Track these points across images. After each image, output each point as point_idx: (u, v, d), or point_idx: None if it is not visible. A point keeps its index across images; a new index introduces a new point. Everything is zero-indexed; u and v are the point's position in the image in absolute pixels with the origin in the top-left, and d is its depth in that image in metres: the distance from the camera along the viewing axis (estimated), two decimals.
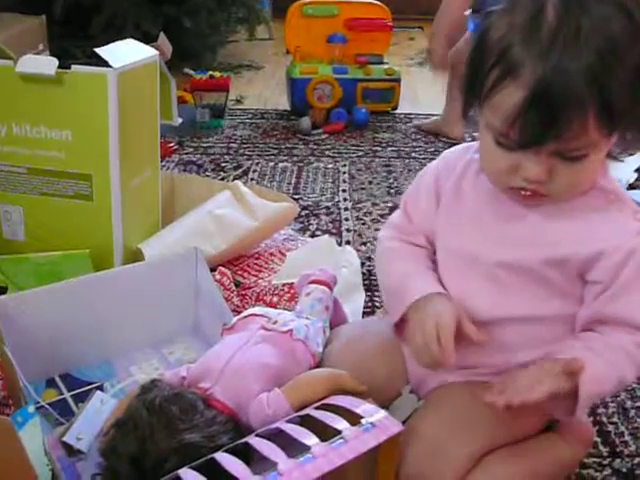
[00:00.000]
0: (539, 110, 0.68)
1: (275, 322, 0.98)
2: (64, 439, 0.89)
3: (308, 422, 0.81)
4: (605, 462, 0.97)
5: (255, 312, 1.01)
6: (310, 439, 0.75)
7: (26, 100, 1.15)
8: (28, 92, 1.15)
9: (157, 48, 1.29)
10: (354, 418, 0.79)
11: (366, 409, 0.80)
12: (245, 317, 1.00)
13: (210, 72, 2.18)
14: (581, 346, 0.79)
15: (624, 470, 0.96)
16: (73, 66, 1.13)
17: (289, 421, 0.81)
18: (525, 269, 0.80)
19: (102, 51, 1.13)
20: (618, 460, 0.98)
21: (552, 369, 0.77)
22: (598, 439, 1.01)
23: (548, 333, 0.82)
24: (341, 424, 0.77)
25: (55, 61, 1.12)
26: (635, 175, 1.85)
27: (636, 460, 0.98)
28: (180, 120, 1.46)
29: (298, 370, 0.93)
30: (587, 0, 0.68)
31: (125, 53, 1.19)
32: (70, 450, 0.90)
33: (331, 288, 1.10)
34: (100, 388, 1.04)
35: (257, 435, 0.80)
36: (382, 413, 0.80)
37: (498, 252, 0.81)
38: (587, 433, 0.93)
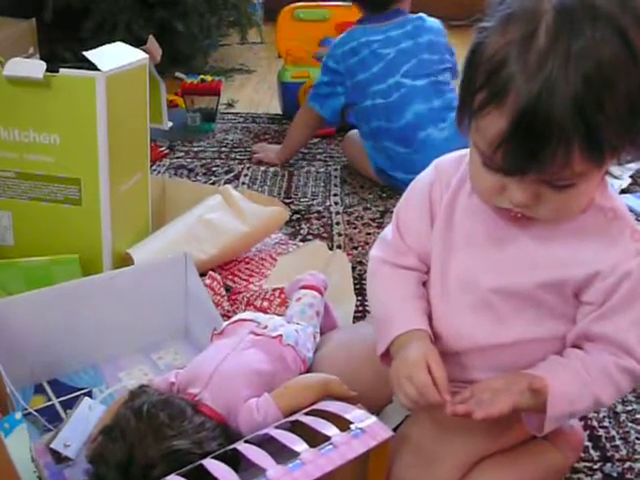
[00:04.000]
0: (521, 140, 0.65)
1: (265, 327, 0.98)
2: (51, 446, 0.88)
3: (298, 428, 0.81)
4: (596, 466, 0.97)
5: (245, 317, 1.00)
6: (299, 445, 0.75)
7: (14, 104, 1.14)
8: (16, 96, 1.14)
9: (146, 51, 1.28)
10: (344, 424, 0.79)
11: (356, 415, 0.79)
12: (235, 322, 0.99)
13: (201, 76, 2.17)
14: (559, 362, 0.79)
15: (614, 474, 0.96)
16: (61, 70, 1.12)
17: (279, 427, 0.81)
18: (519, 294, 0.79)
19: (91, 54, 1.13)
20: (609, 464, 0.97)
21: (517, 384, 0.77)
22: (589, 443, 1.01)
23: (542, 352, 0.81)
24: (331, 430, 0.77)
25: (43, 65, 1.12)
26: (629, 180, 1.85)
27: (627, 464, 0.98)
28: (170, 124, 1.45)
29: (288, 375, 0.93)
30: (582, 22, 0.64)
31: (114, 56, 1.18)
32: (58, 457, 0.89)
33: (322, 293, 1.10)
34: (88, 394, 1.04)
35: (246, 441, 0.79)
36: (372, 419, 0.79)
37: (493, 278, 0.80)
38: (578, 439, 0.93)
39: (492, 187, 0.73)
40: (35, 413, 0.95)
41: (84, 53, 1.11)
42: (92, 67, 1.13)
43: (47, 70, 1.12)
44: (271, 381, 0.91)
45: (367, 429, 0.78)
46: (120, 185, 1.23)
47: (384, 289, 0.90)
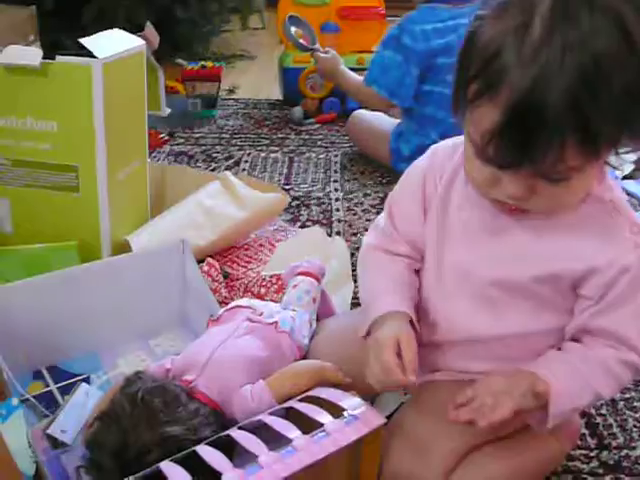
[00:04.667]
0: (513, 134, 0.64)
1: (261, 314, 0.98)
2: (48, 432, 0.89)
3: (292, 415, 0.81)
4: (592, 454, 0.97)
5: (241, 304, 1.00)
6: (292, 432, 0.75)
7: (11, 91, 1.14)
8: (13, 83, 1.14)
9: (144, 38, 1.28)
10: (337, 411, 0.79)
11: (349, 402, 0.80)
12: (231, 308, 1.00)
13: (202, 62, 2.16)
14: (560, 359, 0.79)
15: (611, 462, 0.96)
16: (58, 57, 1.11)
17: (272, 413, 0.81)
18: (516, 286, 0.79)
19: (87, 41, 1.12)
20: (605, 452, 0.97)
21: (518, 387, 0.76)
22: (586, 431, 1.01)
23: (541, 344, 0.81)
24: (324, 417, 0.77)
25: (39, 52, 1.11)
26: (632, 166, 1.84)
27: (623, 452, 0.98)
28: (168, 110, 1.45)
29: (283, 362, 0.93)
30: (579, 11, 0.62)
31: (111, 43, 1.18)
32: (54, 442, 0.90)
33: (319, 280, 1.10)
34: (86, 380, 1.04)
35: (240, 428, 0.79)
36: (365, 406, 0.79)
37: (490, 269, 0.80)
38: (574, 427, 0.93)
39: (486, 179, 0.72)
40: (32, 399, 0.95)
41: (80, 40, 1.11)
42: (91, 55, 1.13)
43: (49, 58, 1.12)
44: (266, 367, 0.91)
45: (360, 416, 0.78)
46: (118, 172, 1.23)
47: (371, 274, 0.90)
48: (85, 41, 1.12)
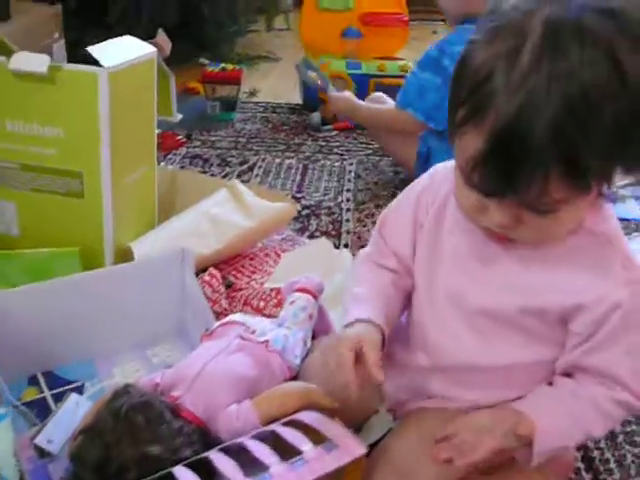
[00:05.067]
0: (496, 162, 0.62)
1: (253, 331, 0.97)
2: (35, 441, 0.90)
3: (274, 438, 0.81)
4: None
5: (234, 319, 1.00)
6: (270, 458, 0.75)
7: (19, 97, 1.15)
8: (21, 89, 1.15)
9: (155, 45, 1.28)
10: (319, 437, 0.78)
11: (331, 429, 0.79)
12: (224, 324, 0.99)
13: (222, 64, 2.16)
14: (549, 395, 0.77)
15: None
16: (65, 65, 1.12)
17: (257, 436, 0.80)
18: (503, 316, 0.77)
19: (95, 50, 1.13)
20: None
21: (502, 425, 0.75)
22: (581, 465, 0.98)
23: (531, 375, 0.79)
24: (304, 444, 0.77)
25: (47, 59, 1.12)
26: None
27: None
28: (180, 116, 1.45)
29: (272, 382, 0.93)
30: (569, 41, 0.60)
31: (120, 51, 1.18)
32: (41, 452, 0.90)
33: (316, 297, 1.09)
34: (80, 388, 1.05)
35: (220, 449, 0.79)
36: (347, 433, 0.79)
37: (478, 297, 0.78)
38: (566, 461, 0.91)
39: (474, 206, 0.71)
40: (23, 407, 0.96)
41: (89, 49, 1.11)
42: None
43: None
44: (255, 387, 0.90)
45: (341, 444, 0.77)
46: (123, 178, 1.23)
47: (357, 283, 0.89)
48: (93, 49, 1.12)
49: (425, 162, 1.70)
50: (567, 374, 0.78)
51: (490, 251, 0.77)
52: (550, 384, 0.79)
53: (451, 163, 0.84)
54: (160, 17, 2.27)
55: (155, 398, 0.86)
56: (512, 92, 0.60)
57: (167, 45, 1.28)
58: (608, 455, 1.00)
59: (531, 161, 0.61)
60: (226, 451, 0.78)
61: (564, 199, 0.64)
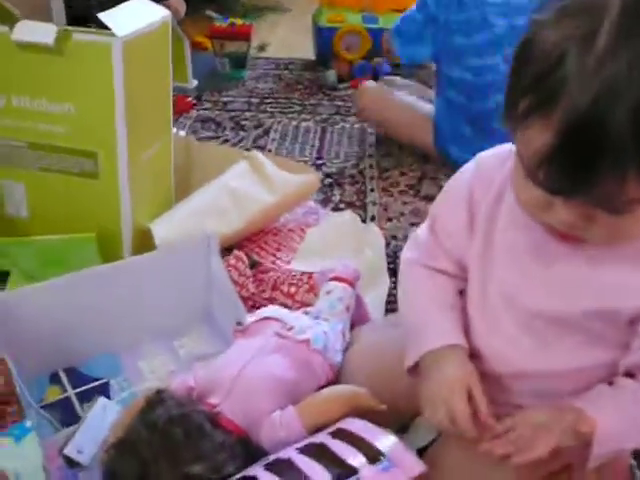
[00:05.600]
0: (567, 159, 0.56)
1: (291, 328, 0.91)
2: (65, 452, 0.84)
3: (323, 452, 0.75)
4: None
5: (270, 315, 0.93)
6: (322, 477, 0.69)
7: (25, 70, 1.06)
8: (26, 62, 1.05)
9: (169, 7, 1.17)
10: (373, 452, 0.73)
11: (385, 442, 0.74)
12: (259, 320, 0.93)
13: (231, 19, 2.04)
14: (610, 395, 0.72)
15: None
16: (74, 34, 1.02)
17: (304, 450, 0.75)
18: (566, 320, 0.71)
19: (106, 16, 1.02)
20: None
21: (561, 422, 0.70)
22: (638, 472, 0.92)
23: (590, 380, 0.74)
24: (358, 459, 0.71)
25: (54, 28, 1.02)
26: None
27: None
28: (195, 82, 1.36)
29: (314, 382, 0.87)
30: None
31: (132, 17, 1.08)
32: (71, 462, 0.85)
33: (353, 285, 1.02)
34: (106, 385, 0.99)
35: (267, 466, 0.74)
36: (403, 448, 0.73)
37: (537, 299, 0.72)
38: (623, 470, 0.86)
39: (537, 201, 0.63)
40: (46, 415, 0.90)
41: (99, 15, 1.01)
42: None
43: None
44: (296, 389, 0.85)
45: (398, 462, 0.71)
46: (140, 156, 1.15)
47: (417, 294, 0.83)
48: (104, 16, 1.02)
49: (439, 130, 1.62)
50: (629, 375, 0.73)
51: (551, 250, 0.70)
52: (610, 383, 0.74)
53: (496, 151, 0.78)
54: None
55: (193, 408, 0.79)
56: (587, 79, 0.53)
57: (182, 7, 1.19)
58: None
59: (608, 157, 0.54)
60: (273, 468, 0.73)
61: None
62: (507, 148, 0.74)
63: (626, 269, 0.68)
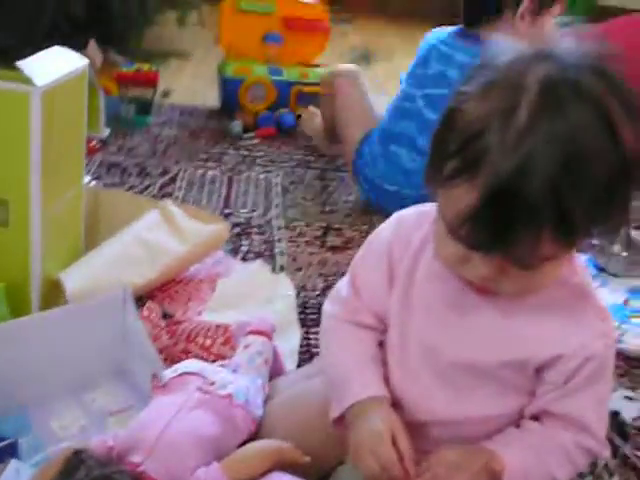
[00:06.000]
0: (488, 218, 0.62)
1: (212, 383, 0.91)
2: None
3: None
4: None
5: (190, 370, 0.94)
6: None
7: None
8: None
9: (87, 56, 1.17)
10: None
11: None
12: (179, 375, 0.93)
13: (137, 65, 2.04)
14: (517, 437, 0.78)
15: None
16: None
17: None
18: (481, 370, 0.77)
19: (25, 64, 1.02)
20: None
21: (474, 462, 0.75)
22: None
23: (502, 425, 0.80)
24: None
25: None
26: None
27: None
28: (107, 131, 1.35)
29: (238, 438, 0.88)
30: (567, 102, 0.61)
31: (51, 65, 1.07)
32: None
33: (270, 338, 1.04)
34: (14, 445, 0.95)
35: None
36: None
37: (454, 351, 0.78)
38: None
39: (456, 256, 0.70)
40: None
41: (18, 64, 1.00)
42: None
43: None
44: (220, 445, 0.86)
45: None
46: (52, 204, 1.13)
47: (339, 349, 0.86)
48: (23, 64, 1.01)
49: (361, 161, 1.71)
50: (534, 418, 0.80)
51: (468, 302, 0.76)
52: (518, 426, 0.80)
53: (416, 209, 0.84)
54: (69, 10, 2.11)
55: (116, 469, 0.79)
56: (508, 151, 0.61)
57: (99, 57, 1.19)
58: None
59: (525, 219, 0.61)
60: None
61: (552, 255, 0.65)
62: (426, 208, 0.80)
63: (533, 321, 0.75)
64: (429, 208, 0.78)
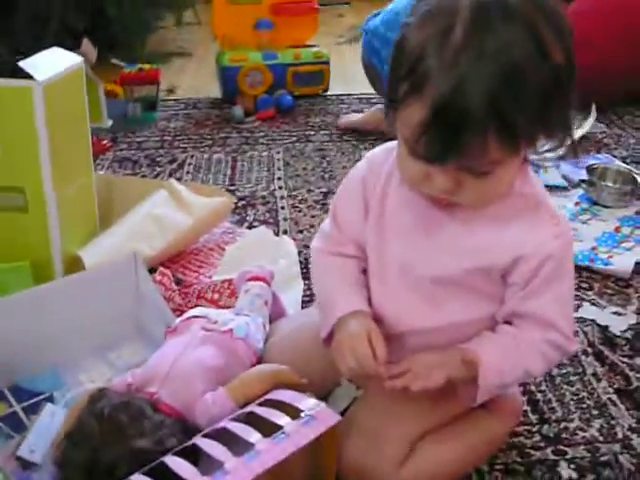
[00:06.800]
0: (439, 131, 0.70)
1: (215, 322, 1.02)
2: (18, 454, 0.92)
3: (253, 419, 0.86)
4: (534, 429, 1.04)
5: (196, 313, 1.04)
6: (253, 436, 0.80)
7: None
8: None
9: (81, 54, 1.29)
10: (295, 412, 0.84)
11: (306, 403, 0.84)
12: (186, 319, 1.03)
13: (139, 65, 2.16)
14: (490, 337, 0.86)
15: (551, 435, 1.03)
16: None
17: (234, 419, 0.85)
18: (452, 280, 0.85)
19: (26, 64, 1.13)
20: (546, 426, 1.04)
21: (450, 358, 0.84)
22: (528, 407, 1.08)
23: (477, 331, 0.88)
24: (282, 419, 0.82)
25: None
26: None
27: (562, 425, 1.05)
28: (110, 122, 1.47)
29: (241, 368, 0.97)
30: (495, 20, 0.68)
31: (50, 63, 1.19)
32: (24, 463, 0.92)
33: (269, 283, 1.14)
34: (50, 398, 1.06)
35: (204, 435, 0.84)
36: (321, 405, 0.85)
37: (427, 267, 0.86)
38: (517, 406, 1.00)
39: (417, 174, 0.78)
40: None
41: (20, 63, 1.12)
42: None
43: None
44: (225, 374, 0.95)
45: (317, 416, 0.83)
46: (65, 189, 1.24)
47: (325, 276, 0.95)
48: (24, 64, 1.13)
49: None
50: (507, 322, 0.88)
51: (434, 220, 0.84)
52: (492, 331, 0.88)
53: (385, 146, 0.93)
54: (67, 21, 2.24)
55: (133, 397, 0.89)
56: (446, 69, 0.68)
57: (93, 53, 1.30)
58: (550, 396, 1.10)
59: (471, 127, 0.69)
60: (210, 436, 0.83)
61: (499, 160, 0.73)
62: (392, 144, 0.88)
63: (493, 229, 0.83)
64: (393, 144, 0.86)
